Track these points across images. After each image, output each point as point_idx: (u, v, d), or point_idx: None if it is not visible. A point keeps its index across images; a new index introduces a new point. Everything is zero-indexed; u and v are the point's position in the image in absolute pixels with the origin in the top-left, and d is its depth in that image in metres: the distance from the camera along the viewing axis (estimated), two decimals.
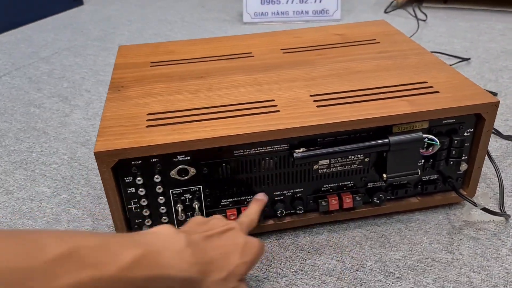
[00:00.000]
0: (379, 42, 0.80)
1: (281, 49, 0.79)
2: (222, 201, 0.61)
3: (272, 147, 0.58)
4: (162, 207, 0.59)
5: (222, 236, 0.50)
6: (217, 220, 0.52)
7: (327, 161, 0.60)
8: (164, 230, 0.46)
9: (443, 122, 0.60)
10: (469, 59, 1.16)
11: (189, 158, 0.56)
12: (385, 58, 0.73)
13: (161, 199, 0.58)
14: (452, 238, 0.63)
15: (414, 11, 1.53)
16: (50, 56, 1.34)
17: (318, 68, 0.71)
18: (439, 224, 0.65)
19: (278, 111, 0.59)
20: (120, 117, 0.60)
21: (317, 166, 0.60)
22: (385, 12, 1.58)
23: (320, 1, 1.49)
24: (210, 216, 0.54)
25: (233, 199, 0.61)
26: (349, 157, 0.60)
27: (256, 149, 0.57)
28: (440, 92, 0.62)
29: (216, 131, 0.55)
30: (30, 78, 1.20)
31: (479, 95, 0.60)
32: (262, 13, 1.49)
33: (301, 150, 0.57)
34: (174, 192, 0.58)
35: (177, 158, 0.56)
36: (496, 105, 0.59)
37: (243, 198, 0.61)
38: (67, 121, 0.98)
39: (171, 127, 0.57)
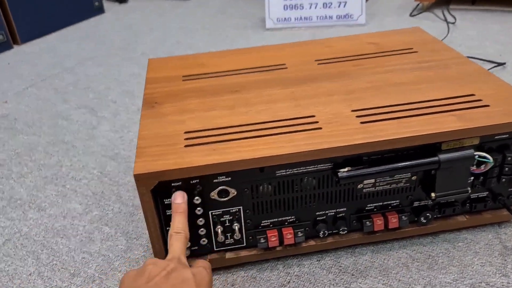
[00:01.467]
0: (416, 51, 0.77)
1: (315, 60, 0.77)
2: (263, 222, 0.58)
3: (315, 166, 0.55)
4: (201, 229, 0.57)
5: (168, 279, 0.45)
6: (153, 266, 0.47)
7: (372, 180, 0.58)
8: None
9: (495, 137, 0.57)
10: (504, 63, 1.12)
11: (229, 179, 0.54)
12: (425, 68, 0.70)
13: (201, 221, 0.56)
14: (506, 260, 0.59)
15: (443, 13, 1.49)
16: (74, 67, 1.33)
17: (355, 80, 0.69)
18: (489, 244, 0.62)
19: (320, 128, 0.57)
20: (157, 135, 0.58)
21: (361, 185, 0.58)
22: (411, 15, 1.54)
23: (344, 6, 1.46)
24: (142, 266, 0.48)
25: (274, 220, 0.58)
26: (395, 175, 0.58)
27: (298, 168, 0.55)
28: (490, 106, 0.59)
29: (258, 150, 0.53)
30: (56, 89, 1.19)
31: None
32: (285, 18, 1.47)
33: (346, 169, 0.55)
34: (213, 213, 0.56)
35: (217, 179, 0.54)
36: None
37: (284, 218, 0.59)
38: (95, 133, 0.97)
39: (210, 147, 0.55)
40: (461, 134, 0.55)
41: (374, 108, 0.61)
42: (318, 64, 0.75)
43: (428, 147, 0.56)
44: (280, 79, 0.71)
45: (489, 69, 1.09)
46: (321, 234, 0.59)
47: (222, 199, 0.55)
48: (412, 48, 0.78)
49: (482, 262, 0.59)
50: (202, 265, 0.50)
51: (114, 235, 0.69)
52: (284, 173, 0.55)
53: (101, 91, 1.16)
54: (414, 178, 0.58)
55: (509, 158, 0.57)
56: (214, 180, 0.54)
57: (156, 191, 0.53)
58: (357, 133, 0.55)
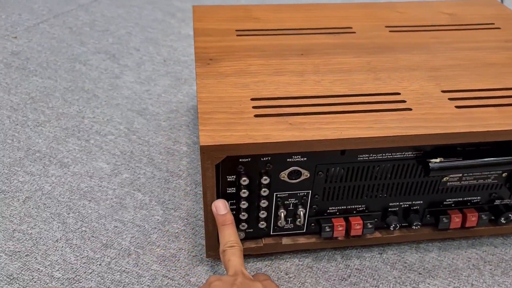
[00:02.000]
0: (499, 28, 0.68)
1: (386, 26, 0.68)
2: (330, 208, 0.52)
3: (403, 153, 0.48)
4: (262, 212, 0.50)
5: None
6: (220, 283, 0.42)
7: (459, 174, 0.51)
8: None
9: None
10: None
11: (305, 159, 0.47)
12: None
13: (264, 203, 0.49)
14: None
15: None
16: (89, 4, 1.21)
17: (437, 55, 0.60)
18: None
19: (410, 109, 0.49)
20: (220, 100, 0.49)
21: (447, 178, 0.51)
22: None
23: None
24: (206, 283, 0.43)
25: (342, 207, 0.52)
26: (492, 171, 0.51)
27: (384, 154, 0.48)
28: None
29: (342, 130, 0.45)
30: (70, 28, 1.08)
31: None
32: None
33: (438, 160, 0.48)
34: (278, 195, 0.49)
35: (292, 158, 0.46)
36: None
37: (353, 206, 0.52)
38: (118, 83, 0.88)
39: (285, 119, 0.47)
40: None
41: (468, 91, 0.53)
42: (390, 31, 0.66)
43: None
44: (350, 45, 0.62)
45: None
46: (392, 228, 0.53)
47: (292, 181, 0.48)
48: (493, 24, 0.70)
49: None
50: (266, 278, 0.45)
51: (149, 204, 0.62)
52: (367, 158, 0.48)
53: (122, 36, 1.05)
54: (504, 174, 0.52)
55: None
56: (288, 159, 0.46)
57: (219, 165, 0.46)
58: (455, 120, 0.48)
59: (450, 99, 0.51)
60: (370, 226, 0.52)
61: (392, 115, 0.48)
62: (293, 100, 0.50)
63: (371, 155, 0.47)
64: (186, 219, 0.60)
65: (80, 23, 1.11)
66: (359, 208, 0.52)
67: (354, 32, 0.66)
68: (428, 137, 0.46)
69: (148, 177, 0.66)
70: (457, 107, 0.50)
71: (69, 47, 0.99)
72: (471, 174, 0.51)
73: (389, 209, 0.53)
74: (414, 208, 0.53)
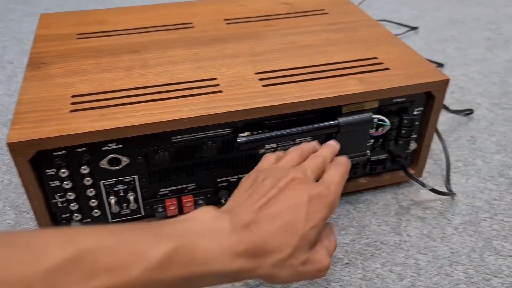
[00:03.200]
0: (328, 13, 0.76)
1: (225, 19, 0.73)
2: (161, 190, 0.56)
3: (215, 131, 0.53)
4: (92, 200, 0.53)
5: (279, 199, 0.39)
6: (276, 171, 0.42)
7: (274, 145, 0.56)
8: (204, 215, 0.37)
9: (393, 101, 0.58)
10: (417, 28, 1.15)
11: (121, 146, 0.50)
12: (335, 30, 0.69)
13: (91, 192, 0.52)
14: (400, 219, 0.62)
15: None
16: None
17: (264, 41, 0.66)
18: (387, 205, 0.64)
19: (221, 91, 0.54)
20: (40, 100, 0.52)
21: (263, 150, 0.56)
22: None
23: None
24: (273, 157, 0.46)
25: (173, 188, 0.56)
26: (297, 139, 0.57)
27: (196, 134, 0.52)
28: (390, 69, 0.59)
29: (151, 115, 0.50)
30: None
31: (429, 72, 0.58)
32: None
33: (245, 134, 0.53)
34: (105, 183, 0.52)
35: (106, 146, 0.50)
36: (446, 82, 0.57)
37: (183, 186, 0.56)
38: None
39: (99, 111, 0.50)
40: (360, 97, 0.55)
41: (278, 70, 0.59)
42: (227, 23, 0.72)
43: (329, 111, 0.55)
44: (185, 39, 0.67)
45: (402, 33, 1.12)
46: (222, 201, 0.58)
47: (114, 168, 0.51)
48: (323, 10, 0.77)
49: (379, 222, 0.61)
50: (335, 181, 0.43)
51: (2, 209, 0.63)
52: (181, 139, 0.52)
53: None
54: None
55: (406, 121, 0.59)
56: (103, 148, 0.50)
57: (37, 160, 0.48)
58: (258, 97, 0.53)
59: (260, 79, 0.57)
60: (201, 203, 0.57)
61: (202, 98, 0.53)
62: (113, 94, 0.54)
63: (184, 136, 0.52)
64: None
65: None
66: (189, 187, 0.57)
67: (193, 27, 0.70)
68: (231, 114, 0.51)
69: (5, 184, 0.67)
70: (264, 86, 0.55)
71: None
72: (284, 144, 0.57)
73: (219, 185, 0.58)
74: None
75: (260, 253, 0.37)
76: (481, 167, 0.71)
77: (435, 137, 0.72)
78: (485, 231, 0.60)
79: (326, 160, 0.48)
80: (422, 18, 1.22)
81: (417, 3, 1.32)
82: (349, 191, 0.65)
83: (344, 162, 0.48)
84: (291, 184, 0.41)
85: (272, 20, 0.73)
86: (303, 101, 0.53)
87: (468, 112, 0.82)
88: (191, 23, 0.72)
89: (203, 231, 0.36)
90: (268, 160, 0.49)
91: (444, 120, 0.81)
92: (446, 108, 0.83)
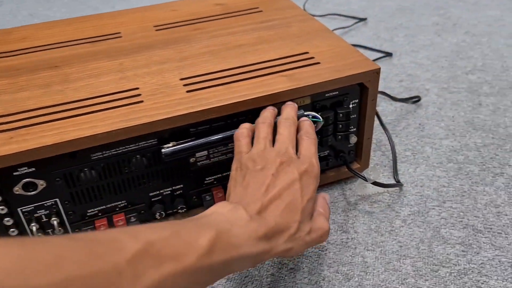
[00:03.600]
0: (262, 11, 0.74)
1: (154, 26, 0.70)
2: (89, 211, 0.52)
3: (137, 144, 0.50)
4: (12, 229, 0.49)
5: (276, 183, 0.43)
6: (263, 158, 0.45)
7: (205, 152, 0.54)
8: (222, 209, 0.41)
9: (326, 95, 0.56)
10: (365, 19, 1.14)
11: (34, 169, 0.47)
12: (267, 28, 0.67)
13: (8, 221, 0.49)
14: (347, 216, 0.60)
15: None
16: None
17: (193, 45, 0.64)
18: (334, 202, 0.62)
19: (142, 101, 0.51)
20: None
21: (194, 159, 0.54)
22: None
23: None
24: (257, 149, 0.46)
25: (102, 207, 0.53)
26: (230, 144, 0.55)
27: (118, 149, 0.50)
28: (321, 63, 0.57)
29: (64, 134, 0.46)
30: None
31: (360, 63, 0.56)
32: None
33: (170, 144, 0.50)
34: (24, 210, 0.49)
35: (18, 171, 0.47)
36: (377, 72, 0.56)
37: (113, 204, 0.53)
38: None
39: (7, 135, 0.47)
40: (290, 94, 0.53)
41: (205, 74, 0.56)
42: (157, 30, 0.69)
43: (259, 111, 0.53)
44: (110, 50, 0.64)
45: (351, 25, 1.11)
46: (157, 216, 0.55)
47: (31, 193, 0.48)
48: (258, 8, 0.75)
49: None
50: (311, 152, 0.47)
51: None
52: (102, 155, 0.49)
53: None
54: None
55: (341, 115, 0.57)
56: (15, 173, 0.46)
57: None
58: (181, 104, 0.51)
59: (185, 85, 0.54)
60: (133, 220, 0.54)
61: (122, 110, 0.50)
62: (27, 114, 0.50)
63: (105, 152, 0.49)
64: None
65: None
66: (120, 204, 0.54)
67: (121, 37, 0.68)
68: (151, 124, 0.48)
69: None
70: (188, 91, 0.53)
71: None
72: (217, 150, 0.54)
73: (152, 199, 0.55)
74: (177, 193, 0.56)
75: (275, 234, 0.41)
76: (429, 154, 0.69)
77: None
78: (434, 220, 0.58)
79: (295, 123, 0.50)
80: (371, 8, 1.21)
81: None
82: None
83: (311, 132, 0.49)
84: (281, 167, 0.44)
85: (204, 23, 0.71)
86: (228, 104, 0.50)
87: (416, 100, 0.81)
88: (118, 33, 0.69)
89: (229, 221, 0.40)
90: (243, 142, 0.48)
91: (392, 110, 0.80)
92: (393, 98, 0.81)
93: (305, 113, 0.54)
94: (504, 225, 0.57)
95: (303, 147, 0.47)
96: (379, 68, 0.55)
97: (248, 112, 0.53)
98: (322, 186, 0.64)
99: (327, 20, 1.15)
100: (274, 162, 0.44)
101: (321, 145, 0.59)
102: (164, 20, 0.72)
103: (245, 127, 0.50)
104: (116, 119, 0.48)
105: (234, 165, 0.48)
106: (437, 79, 0.88)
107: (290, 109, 0.51)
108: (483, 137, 0.72)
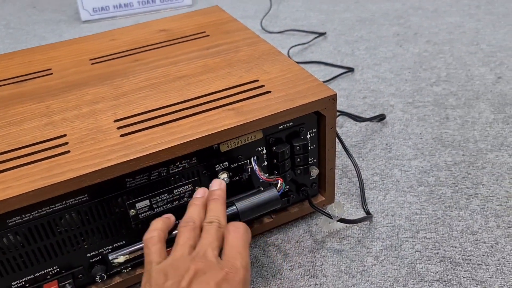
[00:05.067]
0: (208, 35, 0.68)
1: (90, 59, 0.64)
2: (13, 284, 0.45)
3: (64, 202, 0.43)
4: None
5: None
6: (175, 268, 0.37)
7: (147, 202, 0.47)
8: None
9: (280, 127, 0.50)
10: (325, 33, 1.10)
11: None
12: (214, 54, 0.62)
13: None
14: (315, 257, 0.54)
15: None
16: None
17: (131, 79, 0.57)
18: (300, 242, 0.56)
19: (68, 151, 0.45)
20: None
21: (134, 211, 0.47)
22: None
23: None
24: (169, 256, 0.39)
25: (30, 277, 0.45)
26: (174, 191, 0.48)
27: (41, 210, 0.43)
28: (272, 92, 0.52)
29: None
30: None
31: (314, 89, 0.51)
32: (102, 8, 1.30)
33: (97, 200, 0.44)
34: None
35: None
36: (333, 98, 0.51)
37: (44, 272, 0.46)
38: None
39: None
40: (238, 131, 0.47)
41: (142, 113, 0.50)
42: (92, 64, 0.63)
43: (205, 152, 0.47)
44: (38, 90, 0.57)
45: (310, 41, 1.06)
46: (97, 279, 0.48)
47: None
48: (204, 32, 0.69)
49: (291, 266, 0.53)
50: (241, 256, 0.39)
51: None
52: (20, 220, 0.42)
53: None
54: (197, 188, 0.49)
55: (298, 148, 0.51)
56: None
57: None
58: (113, 152, 0.44)
59: (119, 128, 0.48)
60: (69, 287, 0.47)
61: (44, 165, 0.43)
62: None
63: (23, 216, 0.42)
64: None
65: None
66: (52, 271, 0.46)
67: (51, 74, 0.61)
68: (77, 180, 0.41)
69: None
70: (122, 135, 0.46)
71: None
72: (160, 199, 0.48)
73: (91, 260, 0.48)
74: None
75: None
76: (398, 178, 0.65)
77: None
78: (408, 255, 0.53)
79: (220, 221, 0.42)
80: (330, 22, 1.18)
81: (324, 7, 1.28)
82: (254, 234, 0.57)
83: (238, 224, 0.42)
84: (195, 278, 0.36)
85: (145, 52, 0.64)
86: (167, 148, 0.44)
87: (381, 118, 0.77)
88: (49, 69, 0.62)
89: None
90: (152, 249, 0.40)
91: (357, 130, 0.75)
92: (357, 117, 0.77)
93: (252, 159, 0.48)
94: (483, 255, 0.52)
95: (227, 244, 0.40)
96: (335, 94, 0.50)
97: (192, 155, 0.47)
98: (286, 224, 0.58)
99: (285, 36, 1.11)
100: (187, 273, 0.36)
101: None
102: (101, 51, 0.66)
103: (155, 228, 0.42)
104: (36, 176, 0.42)
105: (143, 279, 0.39)
106: (401, 93, 0.84)
107: (214, 204, 0.44)
108: (453, 154, 0.68)
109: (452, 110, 0.78)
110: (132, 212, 0.47)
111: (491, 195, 0.60)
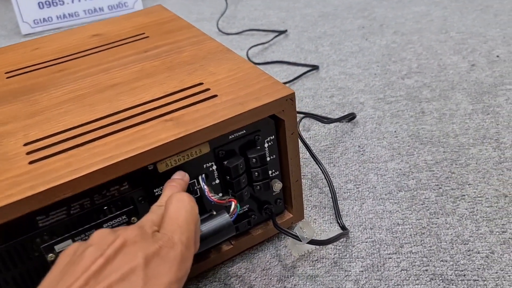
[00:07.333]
0: (148, 37, 0.59)
1: (6, 73, 0.54)
2: None
3: None
4: None
5: (105, 273, 0.28)
6: (93, 249, 0.30)
7: (70, 243, 0.38)
8: None
9: (230, 137, 0.42)
10: (286, 31, 1.02)
11: None
12: (152, 57, 0.53)
13: None
14: (285, 287, 0.46)
15: None
16: None
17: (52, 92, 0.48)
18: (266, 269, 0.48)
19: None
20: None
21: (53, 255, 0.38)
22: None
23: None
24: (84, 243, 0.31)
25: None
26: (104, 225, 0.39)
27: None
28: (218, 96, 0.43)
29: None
30: None
31: (268, 89, 0.43)
32: (44, 19, 1.19)
33: (3, 246, 0.34)
34: None
35: None
36: (291, 98, 0.42)
37: None
38: None
39: None
40: (177, 146, 0.39)
41: (59, 133, 0.41)
42: (8, 78, 0.53)
43: (139, 174, 0.38)
44: None
45: (271, 40, 0.99)
46: None
47: None
48: (143, 33, 0.60)
49: None
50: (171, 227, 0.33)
51: None
52: None
53: None
54: (134, 219, 0.40)
55: (254, 160, 0.43)
56: None
57: None
58: (17, 184, 0.35)
59: (29, 153, 0.38)
60: None
61: None
62: None
63: None
64: None
65: None
66: None
67: None
68: None
69: None
70: (31, 162, 0.37)
71: None
72: (85, 236, 0.39)
73: None
74: None
75: None
76: (375, 184, 0.57)
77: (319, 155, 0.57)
78: (393, 275, 0.45)
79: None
80: (291, 18, 1.10)
81: (284, 4, 1.21)
82: (212, 265, 0.48)
83: (183, 194, 0.36)
84: (122, 248, 0.30)
85: (74, 60, 0.55)
86: (86, 175, 0.35)
87: (351, 117, 0.69)
88: None
89: None
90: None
91: (326, 133, 0.68)
92: (323, 119, 0.69)
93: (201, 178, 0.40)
94: (479, 268, 0.45)
95: (167, 217, 0.34)
96: (293, 93, 0.42)
97: (122, 179, 0.38)
98: (250, 249, 0.50)
99: (244, 37, 1.03)
100: (114, 241, 0.30)
101: (239, 200, 0.45)
102: (20, 63, 0.56)
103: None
104: None
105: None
106: (371, 89, 0.77)
107: (169, 190, 0.38)
108: (433, 152, 0.61)
109: (427, 103, 0.71)
110: (50, 257, 0.37)
111: (479, 195, 0.53)
